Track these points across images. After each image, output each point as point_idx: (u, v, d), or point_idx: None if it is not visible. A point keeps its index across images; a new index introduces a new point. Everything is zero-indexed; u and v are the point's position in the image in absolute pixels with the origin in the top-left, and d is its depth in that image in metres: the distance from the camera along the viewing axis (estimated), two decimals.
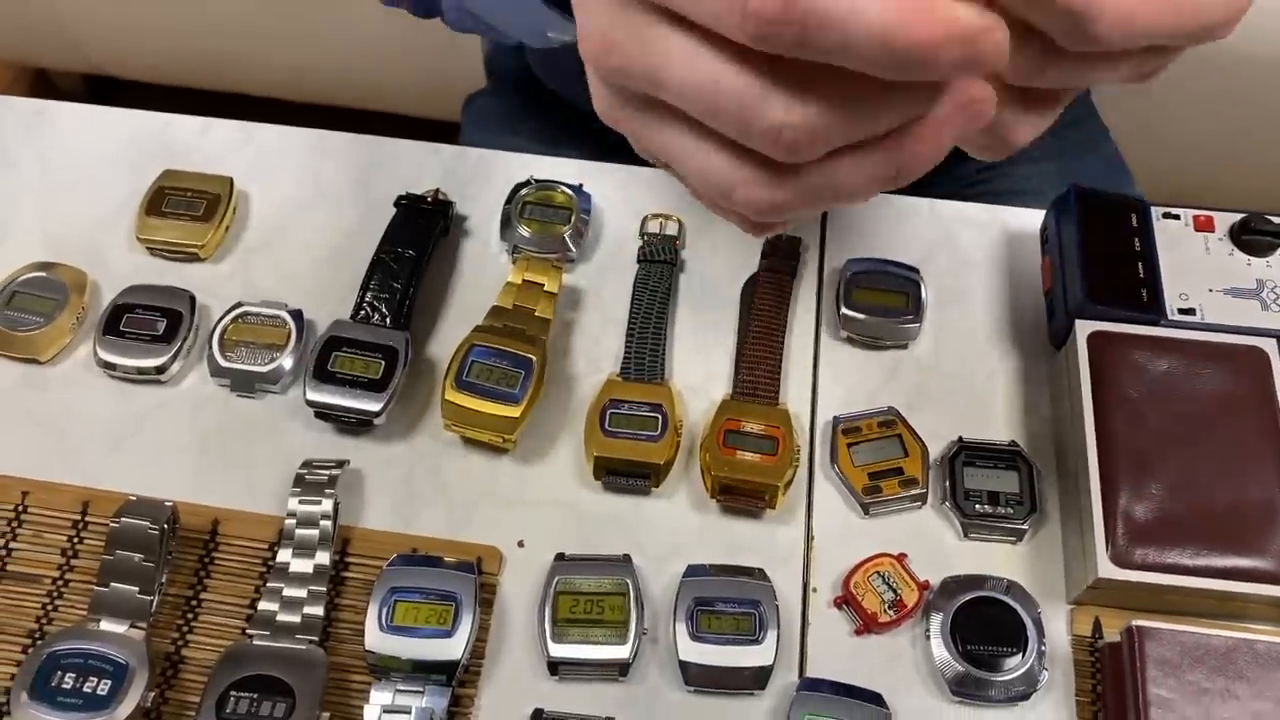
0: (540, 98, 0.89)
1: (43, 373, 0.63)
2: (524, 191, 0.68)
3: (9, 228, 0.68)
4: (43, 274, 0.65)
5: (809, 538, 0.60)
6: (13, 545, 0.58)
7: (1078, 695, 0.56)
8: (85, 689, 0.52)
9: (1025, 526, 0.59)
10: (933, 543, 0.59)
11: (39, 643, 0.55)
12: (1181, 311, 0.62)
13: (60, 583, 0.57)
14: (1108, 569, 0.54)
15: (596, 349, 0.65)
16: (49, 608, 0.56)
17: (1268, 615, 0.56)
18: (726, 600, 0.56)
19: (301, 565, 0.56)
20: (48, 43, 1.49)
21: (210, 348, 0.63)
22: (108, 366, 0.62)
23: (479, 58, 0.99)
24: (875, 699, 0.54)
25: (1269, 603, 0.55)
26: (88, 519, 0.59)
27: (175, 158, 0.70)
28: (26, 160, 0.71)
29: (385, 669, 0.53)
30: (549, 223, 0.68)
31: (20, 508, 0.59)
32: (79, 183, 0.70)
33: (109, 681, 0.52)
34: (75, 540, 0.58)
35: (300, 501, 0.57)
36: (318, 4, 1.36)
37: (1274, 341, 0.61)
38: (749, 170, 0.31)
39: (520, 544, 0.59)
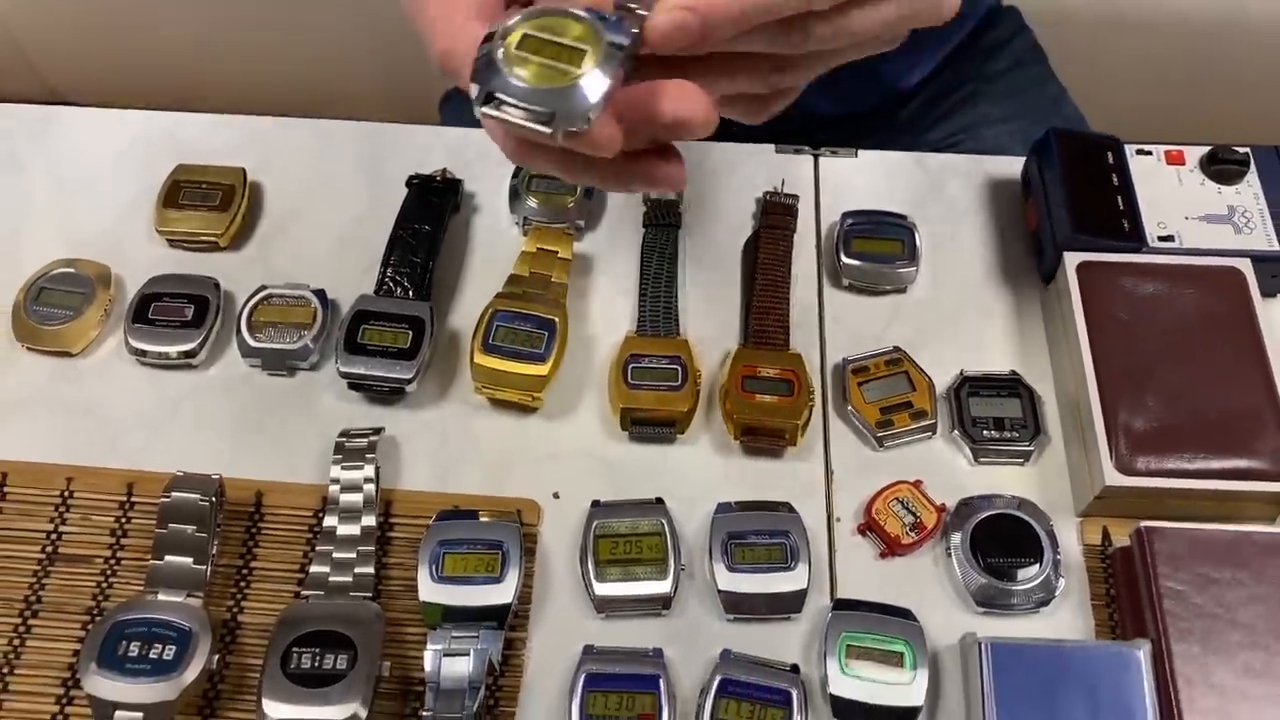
0: None
1: (75, 365, 0.65)
2: None
3: (28, 229, 0.70)
4: (67, 270, 0.66)
5: (828, 472, 0.63)
6: (63, 529, 0.59)
7: (1093, 600, 0.59)
8: (151, 655, 0.53)
9: (1031, 448, 0.63)
10: (945, 469, 0.63)
11: (98, 619, 0.57)
12: (1161, 239, 0.66)
13: (113, 561, 0.59)
14: (1114, 477, 0.58)
15: (611, 310, 0.68)
16: (104, 586, 0.58)
17: (1262, 512, 0.60)
18: (758, 533, 0.59)
19: (348, 529, 0.59)
20: (3, 68, 1.49)
21: (239, 330, 0.65)
22: (139, 354, 0.64)
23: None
24: (905, 614, 0.57)
25: (1263, 499, 0.59)
26: (134, 499, 0.60)
27: (184, 154, 0.72)
28: (38, 164, 0.72)
29: (439, 619, 0.56)
30: (556, 194, 0.70)
31: (66, 493, 0.60)
32: (92, 183, 0.72)
33: (174, 647, 0.54)
34: (124, 520, 0.60)
35: (343, 468, 0.60)
36: (277, 19, 1.37)
37: (1248, 261, 0.65)
38: None
39: (555, 496, 0.61)
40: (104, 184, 0.72)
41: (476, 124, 0.40)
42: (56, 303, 0.65)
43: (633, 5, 0.39)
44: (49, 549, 0.59)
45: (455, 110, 0.96)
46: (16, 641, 0.56)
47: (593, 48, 0.37)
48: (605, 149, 0.38)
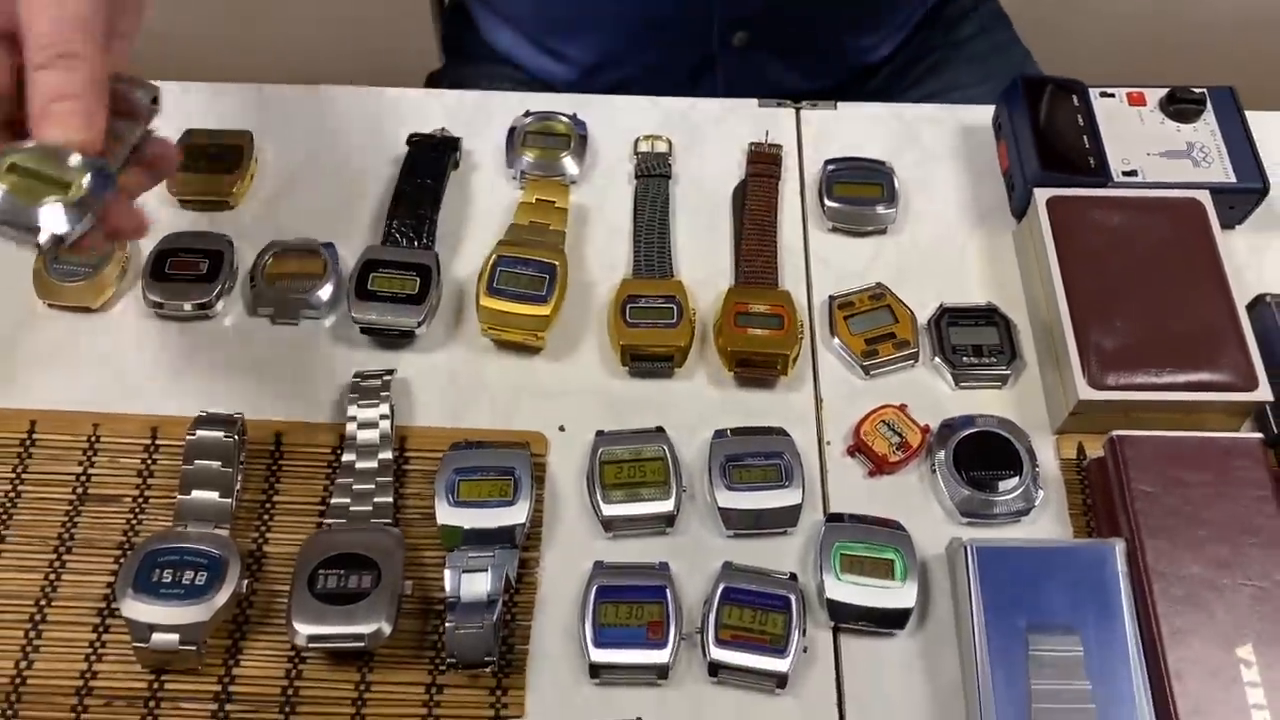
0: (500, 69, 0.95)
1: (95, 320, 0.68)
2: (525, 122, 0.74)
3: None
4: None
5: (818, 400, 0.66)
6: (91, 471, 0.62)
7: (1070, 510, 0.63)
8: (184, 581, 0.56)
9: (1008, 372, 0.66)
10: (928, 394, 0.66)
11: (130, 551, 0.60)
12: (1125, 174, 0.70)
13: (140, 500, 0.61)
14: (1087, 392, 0.62)
15: (606, 256, 0.71)
16: (133, 523, 0.61)
17: (1224, 422, 0.64)
18: (754, 454, 0.62)
19: (366, 463, 0.62)
20: None
21: (252, 282, 0.68)
22: (156, 306, 0.67)
23: (431, 39, 1.05)
24: (895, 525, 0.61)
25: (1224, 409, 0.63)
26: (158, 442, 0.63)
27: (190, 121, 0.75)
28: None
29: (457, 541, 0.59)
30: (550, 149, 0.74)
31: (94, 438, 0.63)
32: None
33: (205, 573, 0.57)
34: (149, 462, 0.63)
35: (359, 406, 0.63)
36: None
37: (1207, 193, 0.69)
38: None
39: (561, 429, 0.65)
40: None
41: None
42: (75, 261, 0.68)
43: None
44: (79, 490, 0.62)
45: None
46: (53, 576, 0.59)
47: (76, 182, 0.47)
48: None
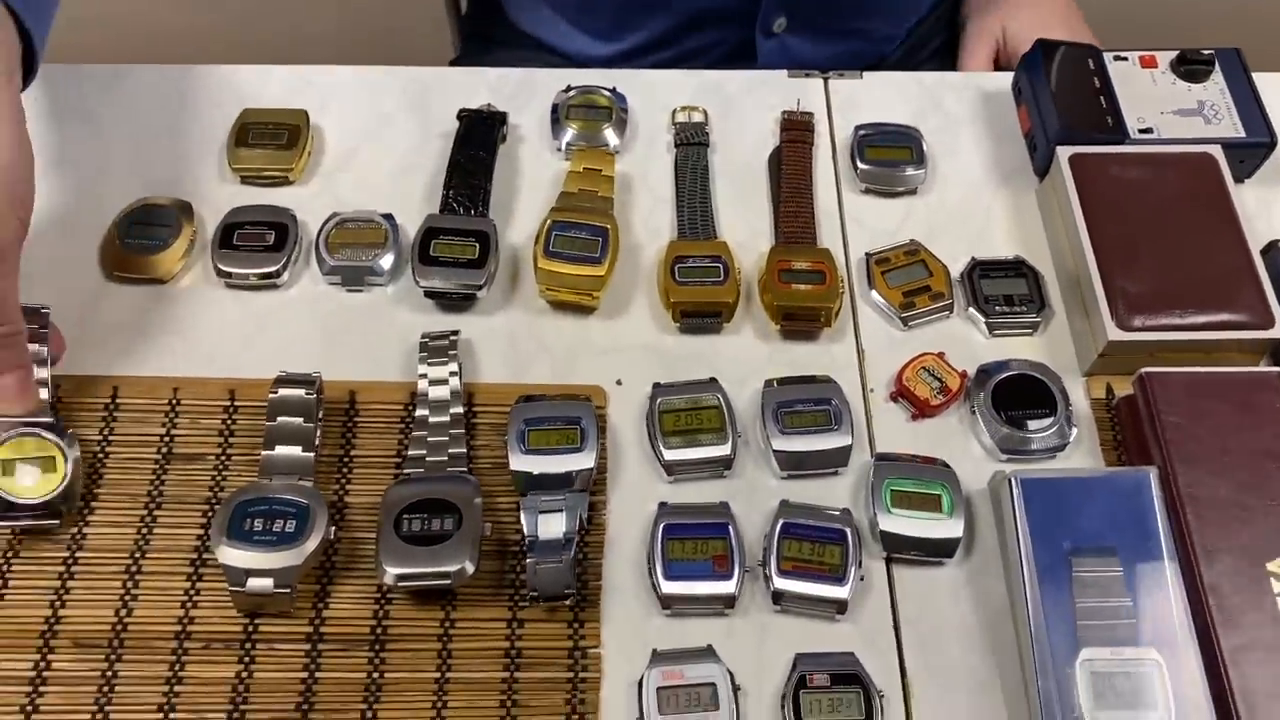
0: (527, 52, 0.98)
1: (167, 291, 0.71)
2: (568, 96, 0.78)
3: (107, 175, 0.75)
4: (152, 205, 0.72)
5: (860, 351, 0.70)
6: (174, 432, 0.65)
7: (1101, 446, 0.67)
8: (274, 529, 0.60)
9: (1038, 319, 0.70)
10: (963, 343, 0.70)
11: (218, 505, 0.63)
12: (1141, 131, 0.74)
13: (223, 458, 0.65)
14: (1116, 334, 0.66)
15: (651, 221, 0.75)
16: (218, 479, 0.64)
17: (1243, 359, 0.68)
18: (804, 401, 0.66)
19: (439, 418, 0.65)
20: None
21: (317, 251, 0.71)
22: (226, 276, 0.70)
23: (445, 28, 1.09)
24: (940, 463, 0.64)
25: (1245, 347, 0.67)
26: (236, 404, 0.66)
27: (245, 101, 0.78)
28: (110, 117, 0.78)
29: (529, 486, 0.62)
30: (593, 121, 0.77)
31: (174, 401, 0.66)
32: (162, 131, 0.77)
33: (294, 521, 0.60)
34: (229, 422, 0.66)
35: (429, 365, 0.66)
36: None
37: (1219, 147, 0.73)
38: None
39: (618, 383, 0.68)
40: (173, 132, 0.77)
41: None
42: (145, 235, 0.71)
43: None
44: (164, 450, 0.65)
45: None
46: (145, 530, 0.62)
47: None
48: None
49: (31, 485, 0.60)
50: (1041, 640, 0.57)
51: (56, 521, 0.61)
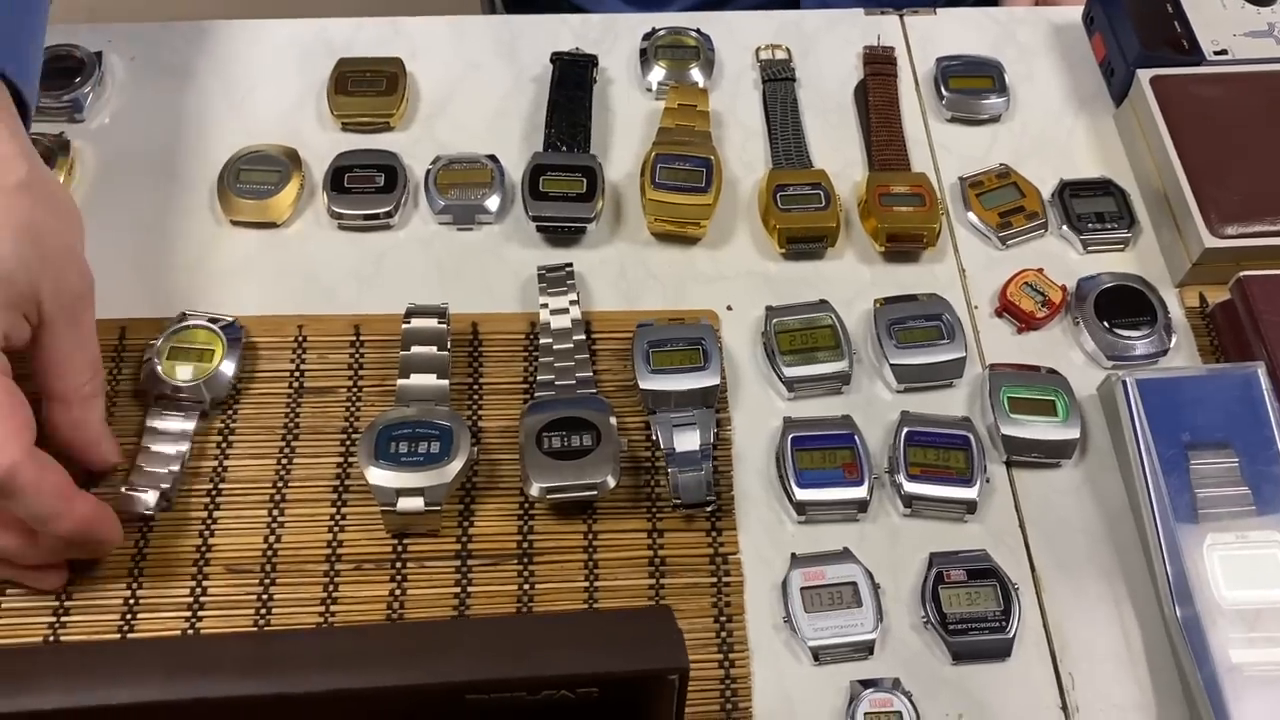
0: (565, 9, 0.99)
1: (281, 234, 0.72)
2: (657, 35, 0.79)
3: (208, 127, 0.76)
4: (260, 152, 0.73)
5: (961, 270, 0.72)
6: (304, 367, 0.67)
7: (1200, 351, 0.69)
8: (420, 450, 0.61)
9: (1129, 235, 0.73)
10: (1059, 260, 0.72)
11: (356, 435, 0.64)
12: (1216, 53, 0.76)
13: (355, 390, 0.66)
14: (1211, 241, 0.68)
15: (745, 155, 0.77)
16: (353, 411, 0.65)
17: None
18: (915, 317, 0.68)
19: (563, 344, 0.67)
20: None
21: (427, 190, 0.72)
22: (339, 217, 0.71)
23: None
24: (1051, 371, 0.67)
25: None
26: (362, 338, 0.68)
27: (335, 52, 0.79)
28: (204, 71, 0.79)
29: (658, 404, 0.64)
30: (680, 60, 0.79)
31: (300, 338, 0.68)
32: (258, 84, 0.78)
33: (438, 443, 0.61)
34: (357, 356, 0.67)
35: (549, 295, 0.68)
36: None
37: None
38: None
39: (729, 308, 0.70)
40: (269, 84, 0.78)
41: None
42: (256, 180, 0.72)
43: None
44: (295, 384, 0.66)
45: None
46: (285, 461, 0.64)
47: None
48: None
49: (183, 376, 0.63)
50: (1169, 529, 0.59)
51: (201, 408, 0.63)
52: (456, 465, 0.61)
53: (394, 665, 0.46)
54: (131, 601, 0.59)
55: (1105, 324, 0.68)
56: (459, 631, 0.49)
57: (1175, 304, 0.71)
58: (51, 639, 0.58)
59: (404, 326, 0.65)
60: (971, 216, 0.73)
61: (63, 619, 0.59)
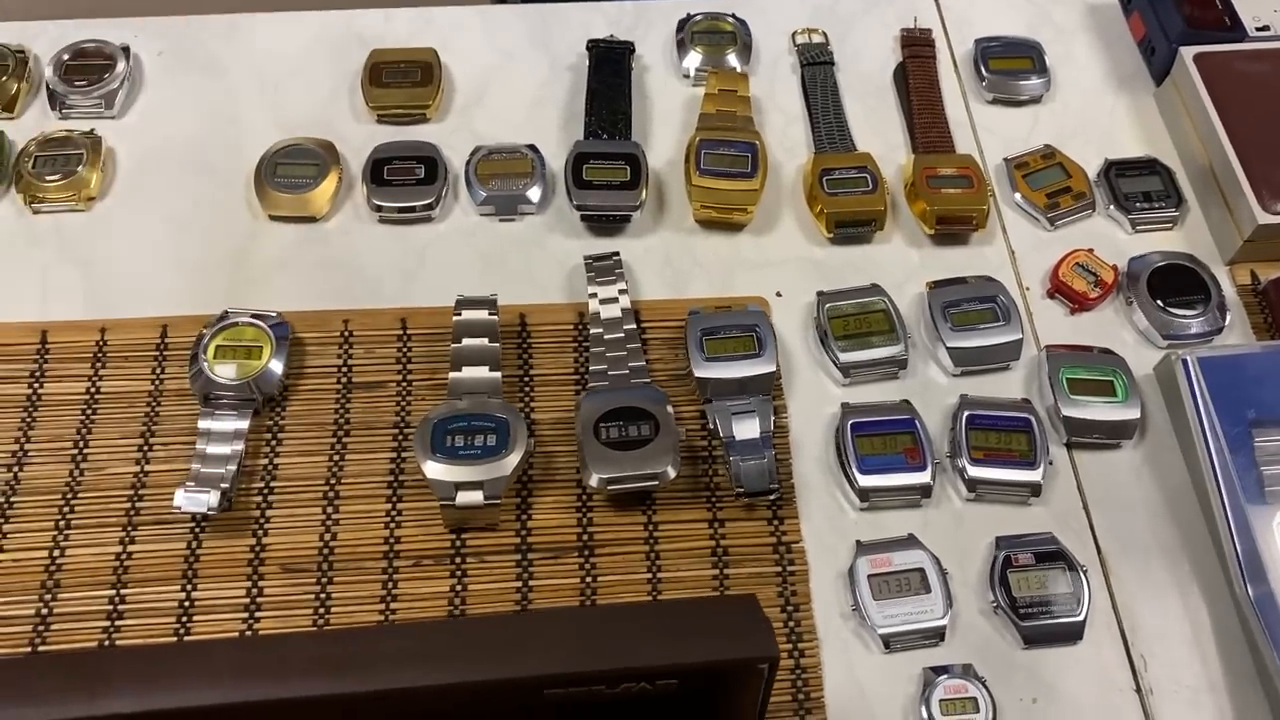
0: None
1: (320, 228, 0.71)
2: (693, 21, 0.79)
3: (241, 121, 0.75)
4: (296, 145, 0.72)
5: (1011, 252, 0.71)
6: (352, 362, 0.66)
7: (1254, 329, 0.68)
8: (476, 444, 0.60)
9: (1177, 214, 0.72)
10: (1108, 240, 0.72)
11: (409, 429, 0.63)
12: (1259, 29, 0.76)
13: (404, 384, 0.65)
14: (1264, 218, 0.68)
15: (786, 140, 0.76)
16: (403, 406, 0.64)
17: None
18: (969, 300, 0.67)
19: (614, 334, 0.66)
20: None
21: (468, 182, 0.71)
22: (380, 210, 0.70)
23: None
24: (1106, 352, 0.66)
25: None
26: (409, 331, 0.67)
27: (367, 44, 0.78)
28: (236, 65, 0.78)
29: (714, 393, 0.63)
30: (717, 46, 0.78)
31: (347, 333, 0.66)
32: (289, 76, 0.77)
33: (494, 435, 0.60)
34: (405, 350, 0.66)
35: (598, 284, 0.67)
36: None
37: None
38: None
39: (779, 294, 0.69)
40: (300, 77, 0.77)
41: None
42: (294, 174, 0.71)
43: None
44: (343, 380, 0.65)
45: None
46: (336, 458, 0.63)
47: None
48: None
49: (232, 374, 0.62)
50: (1237, 508, 0.59)
51: (254, 406, 0.62)
52: (515, 457, 0.60)
53: (475, 660, 0.45)
54: (186, 604, 0.58)
55: (1159, 303, 0.67)
56: (540, 624, 0.48)
57: (1227, 282, 0.70)
58: (106, 644, 0.57)
59: (455, 319, 0.64)
60: (1018, 198, 0.72)
61: (116, 623, 0.58)
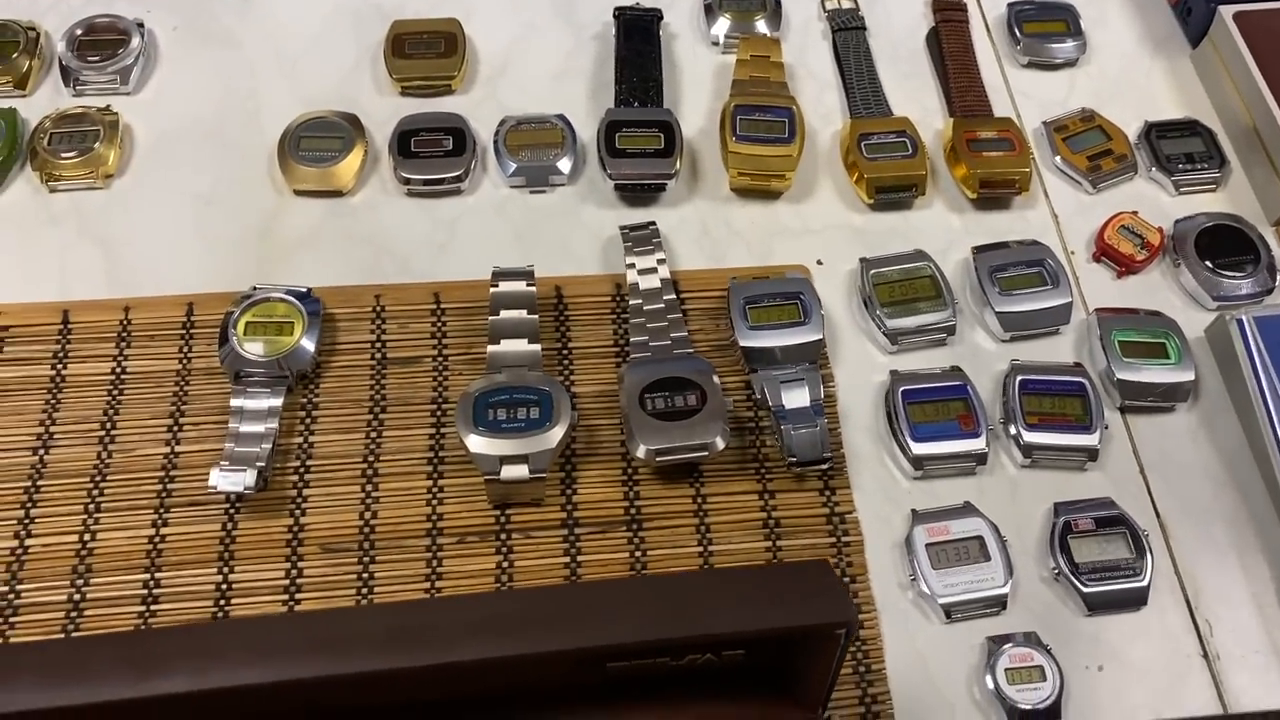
0: None
1: (347, 202, 0.69)
2: None
3: (260, 96, 0.73)
4: (320, 118, 0.70)
5: (1054, 215, 0.70)
6: (385, 337, 0.64)
7: None
8: (519, 417, 0.58)
9: (1219, 174, 0.71)
10: (1151, 202, 0.70)
11: (446, 405, 0.61)
12: None
13: (440, 360, 0.63)
14: None
15: (821, 106, 0.74)
16: (440, 381, 0.63)
17: None
18: (1016, 264, 0.66)
19: (654, 305, 0.64)
20: None
21: (498, 154, 0.69)
22: (408, 183, 0.68)
23: None
24: (1156, 314, 0.65)
25: None
26: (442, 305, 0.65)
27: (387, 16, 0.76)
28: (252, 38, 0.75)
29: (759, 362, 0.61)
30: (747, 12, 0.76)
31: (379, 308, 0.65)
32: (307, 49, 0.75)
33: (537, 408, 0.59)
34: (439, 324, 0.64)
35: (636, 255, 0.65)
36: None
37: None
38: None
39: (819, 262, 0.68)
40: (319, 50, 0.75)
41: None
42: (319, 148, 0.69)
43: None
44: (377, 355, 0.63)
45: None
46: (374, 435, 0.61)
47: None
48: None
49: (263, 351, 0.60)
50: None
51: (286, 383, 0.61)
52: (560, 430, 0.58)
53: (540, 631, 0.43)
54: (224, 587, 0.56)
55: (1208, 265, 0.66)
56: (606, 593, 0.47)
57: (1274, 241, 0.69)
58: (142, 628, 0.55)
59: (492, 290, 0.62)
60: (1058, 161, 0.71)
61: (152, 608, 0.56)
